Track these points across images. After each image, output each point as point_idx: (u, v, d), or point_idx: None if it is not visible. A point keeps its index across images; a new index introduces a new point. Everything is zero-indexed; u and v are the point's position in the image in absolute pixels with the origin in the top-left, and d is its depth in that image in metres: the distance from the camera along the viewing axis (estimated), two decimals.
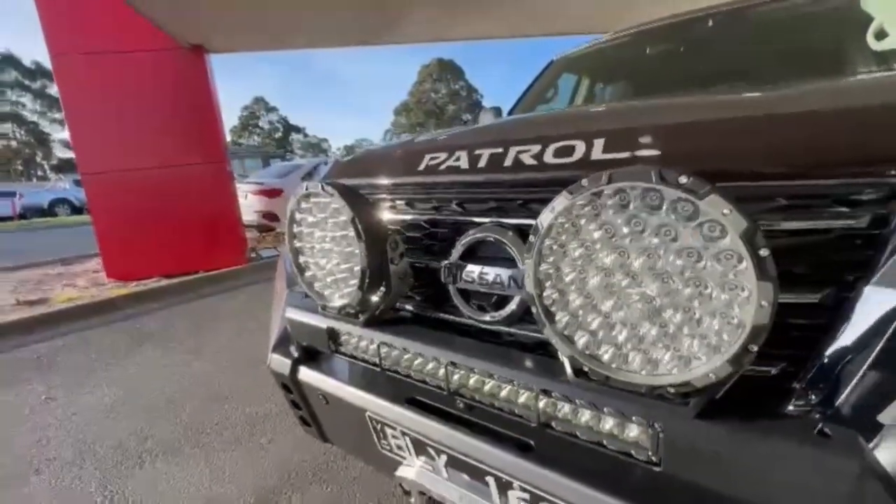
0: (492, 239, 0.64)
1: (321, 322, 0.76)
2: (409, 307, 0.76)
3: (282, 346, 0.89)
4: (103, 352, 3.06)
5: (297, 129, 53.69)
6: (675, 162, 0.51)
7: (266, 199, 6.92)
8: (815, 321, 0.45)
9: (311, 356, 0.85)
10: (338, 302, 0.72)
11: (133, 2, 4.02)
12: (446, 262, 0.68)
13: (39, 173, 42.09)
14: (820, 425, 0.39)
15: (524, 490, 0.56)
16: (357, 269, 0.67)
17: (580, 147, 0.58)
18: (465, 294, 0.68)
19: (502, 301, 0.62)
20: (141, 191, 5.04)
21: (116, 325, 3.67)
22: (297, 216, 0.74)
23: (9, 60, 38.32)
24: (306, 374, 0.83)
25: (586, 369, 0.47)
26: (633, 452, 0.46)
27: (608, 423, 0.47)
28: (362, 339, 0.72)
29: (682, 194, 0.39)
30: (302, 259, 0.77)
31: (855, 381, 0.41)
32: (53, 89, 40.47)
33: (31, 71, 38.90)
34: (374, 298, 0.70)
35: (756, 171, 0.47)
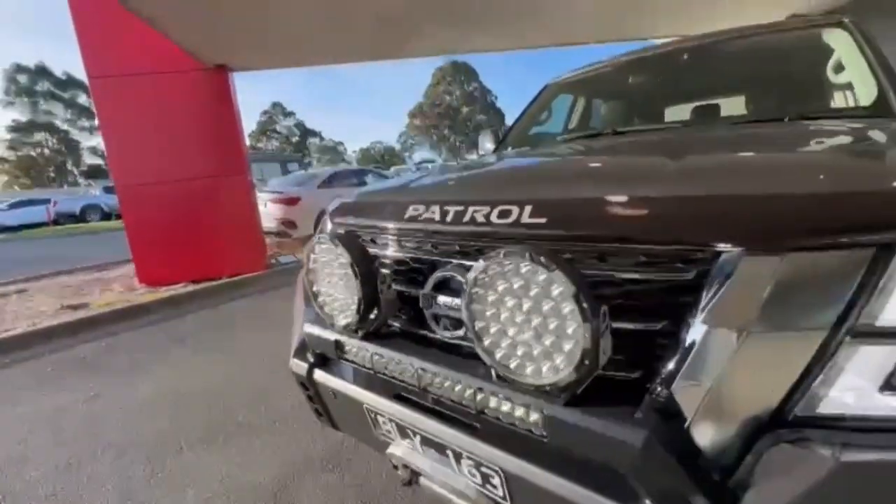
0: (454, 276, 0.86)
1: (330, 335, 1.00)
2: (396, 324, 0.99)
3: (300, 352, 1.13)
4: (141, 353, 3.39)
5: (314, 134, 54.69)
6: (566, 231, 0.74)
7: (285, 206, 7.26)
8: (660, 343, 0.66)
9: (323, 361, 1.09)
10: (342, 321, 0.96)
11: (162, 28, 4.37)
12: (423, 291, 0.91)
13: (70, 179, 43.96)
14: (637, 412, 0.60)
15: (471, 459, 0.78)
16: (356, 297, 0.90)
17: (514, 212, 0.80)
18: (437, 316, 0.91)
19: (459, 322, 0.84)
20: (170, 201, 5.42)
21: (152, 328, 4.01)
22: (312, 256, 0.98)
23: (42, 72, 40.23)
24: (319, 375, 1.07)
25: (502, 374, 0.70)
26: (532, 430, 0.67)
27: (518, 411, 0.68)
28: (360, 350, 0.94)
29: (542, 269, 0.62)
30: (315, 287, 1.00)
31: (676, 385, 0.62)
32: (83, 98, 42.23)
33: (63, 81, 40.73)
34: (369, 318, 0.93)
35: (621, 236, 0.69)
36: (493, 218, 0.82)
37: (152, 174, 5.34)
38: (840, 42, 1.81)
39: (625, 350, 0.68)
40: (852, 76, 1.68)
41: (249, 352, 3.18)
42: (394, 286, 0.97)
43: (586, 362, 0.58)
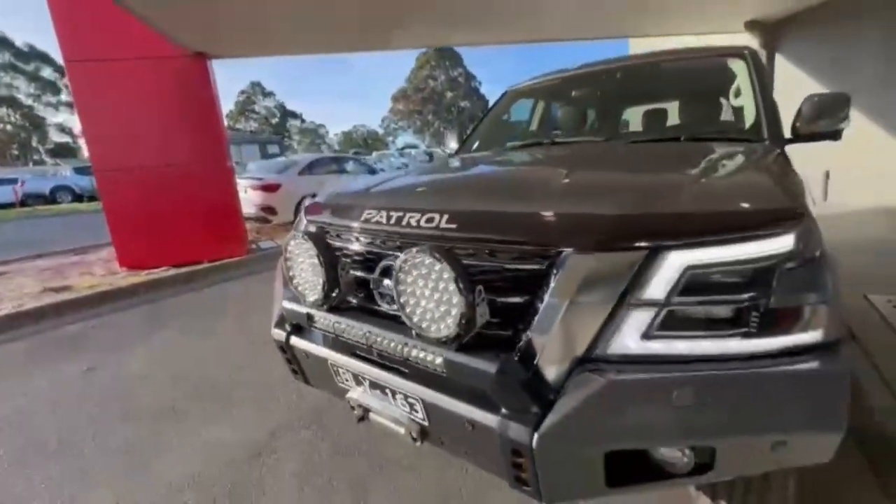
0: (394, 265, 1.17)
1: (302, 309, 1.30)
2: (353, 300, 1.30)
3: (280, 324, 1.43)
4: (128, 332, 3.61)
5: (295, 115, 53.46)
6: (469, 234, 1.06)
7: (265, 193, 7.40)
8: (524, 312, 0.99)
9: (297, 330, 1.39)
10: (311, 298, 1.26)
11: (142, 16, 4.45)
12: (373, 276, 1.22)
13: (35, 157, 42.06)
14: (497, 354, 0.93)
15: (402, 394, 1.11)
16: (321, 280, 1.21)
17: (436, 219, 1.11)
18: (382, 294, 1.21)
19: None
20: (150, 186, 5.51)
21: (136, 310, 4.21)
22: (289, 247, 1.29)
23: (2, 42, 37.96)
24: (295, 341, 1.37)
25: (418, 332, 1.01)
26: (437, 369, 0.99)
27: (428, 357, 0.99)
28: (325, 319, 1.24)
29: (436, 260, 0.94)
30: (291, 273, 1.30)
31: (528, 337, 0.96)
32: (48, 72, 40.21)
33: (24, 53, 38.54)
34: (332, 296, 1.23)
35: (503, 239, 1.02)
36: (422, 223, 1.13)
37: (131, 159, 5.42)
38: (741, 70, 2.16)
39: (503, 316, 1.01)
40: (744, 102, 2.03)
41: (232, 332, 3.44)
42: (351, 271, 1.28)
43: (465, 322, 0.91)
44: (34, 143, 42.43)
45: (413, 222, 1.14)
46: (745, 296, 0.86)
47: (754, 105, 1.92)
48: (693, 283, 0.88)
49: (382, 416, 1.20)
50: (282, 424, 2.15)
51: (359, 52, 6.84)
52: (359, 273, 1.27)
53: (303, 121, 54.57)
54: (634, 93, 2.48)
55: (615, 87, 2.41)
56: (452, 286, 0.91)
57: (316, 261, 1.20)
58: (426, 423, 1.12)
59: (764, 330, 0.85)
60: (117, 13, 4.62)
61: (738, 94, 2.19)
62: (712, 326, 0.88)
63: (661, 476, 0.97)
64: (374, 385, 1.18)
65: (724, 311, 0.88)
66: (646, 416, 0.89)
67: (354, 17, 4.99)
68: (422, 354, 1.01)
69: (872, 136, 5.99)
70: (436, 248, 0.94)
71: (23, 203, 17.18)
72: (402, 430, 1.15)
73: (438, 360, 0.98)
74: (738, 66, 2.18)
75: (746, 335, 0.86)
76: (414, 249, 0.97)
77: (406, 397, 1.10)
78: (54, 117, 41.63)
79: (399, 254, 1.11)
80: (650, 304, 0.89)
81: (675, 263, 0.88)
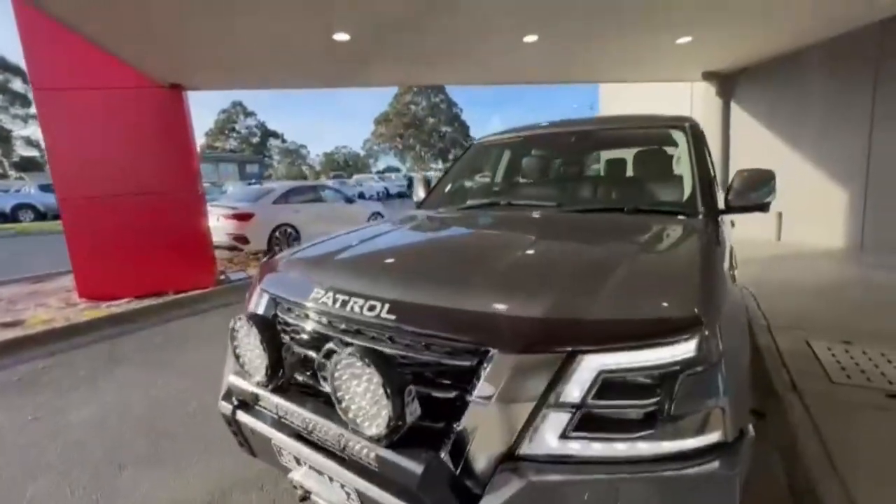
0: (336, 349, 1.21)
1: (248, 387, 1.31)
2: (299, 378, 1.32)
3: (227, 397, 1.44)
4: (81, 373, 3.47)
5: (276, 135, 53.38)
6: (407, 327, 1.11)
7: (237, 222, 7.32)
8: (455, 406, 1.04)
9: (244, 405, 1.40)
10: (256, 378, 1.27)
11: (114, 50, 4.46)
12: (318, 357, 1.25)
13: None
14: (425, 451, 0.98)
15: (339, 481, 1.12)
16: (265, 364, 1.23)
17: (377, 307, 1.16)
18: (325, 376, 1.25)
19: None
20: (116, 215, 5.39)
21: (92, 347, 4.05)
22: (235, 329, 1.31)
23: None
24: (241, 416, 1.37)
25: (352, 427, 1.05)
26: (370, 463, 1.02)
27: (363, 451, 1.02)
28: (270, 401, 1.26)
29: (365, 365, 0.98)
30: (238, 351, 1.32)
31: (456, 433, 1.00)
32: (17, 84, 39.15)
33: None
34: (275, 378, 1.26)
35: (436, 334, 1.07)
36: (365, 311, 1.18)
37: (98, 187, 5.31)
38: (681, 141, 2.32)
39: (437, 409, 1.06)
40: (683, 173, 2.18)
41: (189, 375, 3.33)
42: (297, 350, 1.31)
43: (393, 425, 0.96)
44: None
45: (357, 308, 1.19)
46: (652, 400, 0.94)
47: (691, 178, 2.07)
48: (606, 387, 0.95)
49: (322, 499, 1.21)
50: (235, 484, 2.10)
51: (334, 88, 6.97)
52: (304, 352, 1.30)
53: (284, 141, 54.52)
54: (586, 157, 2.65)
55: (568, 150, 2.57)
56: (381, 391, 0.96)
57: (259, 347, 1.23)
58: None
59: (668, 433, 0.92)
60: (89, 44, 4.63)
61: (679, 164, 2.36)
62: (625, 428, 0.95)
63: None
64: (314, 468, 1.20)
65: (634, 414, 0.95)
66: None
67: (325, 57, 5.13)
68: (356, 447, 1.04)
69: (816, 180, 6.45)
70: (366, 353, 0.99)
71: None
72: None
73: (371, 455, 1.02)
74: (679, 137, 2.35)
75: (653, 437, 0.93)
76: (346, 351, 1.01)
77: (342, 484, 1.13)
78: (22, 130, 40.31)
79: (343, 337, 1.14)
80: (568, 405, 0.95)
81: (589, 367, 0.95)
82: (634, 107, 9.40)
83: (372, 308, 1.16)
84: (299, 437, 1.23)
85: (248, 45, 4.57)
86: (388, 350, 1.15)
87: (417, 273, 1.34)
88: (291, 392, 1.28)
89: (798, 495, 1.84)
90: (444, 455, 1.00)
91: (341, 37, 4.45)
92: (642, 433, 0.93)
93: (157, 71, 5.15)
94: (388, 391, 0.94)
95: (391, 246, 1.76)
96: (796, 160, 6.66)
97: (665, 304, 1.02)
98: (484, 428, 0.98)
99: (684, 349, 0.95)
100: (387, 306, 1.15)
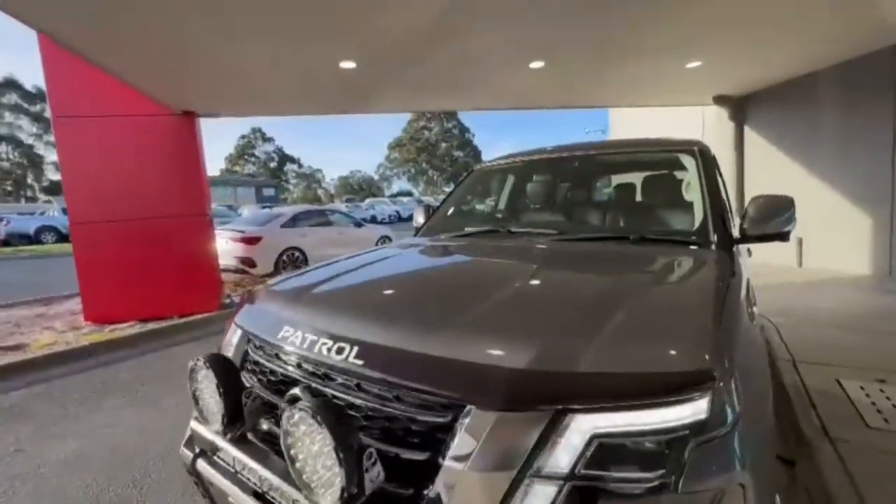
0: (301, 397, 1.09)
1: (208, 435, 1.19)
2: (265, 427, 1.19)
3: (188, 444, 1.31)
4: (76, 401, 3.38)
5: (293, 160, 54.83)
6: (376, 374, 0.98)
7: (245, 245, 7.34)
8: (426, 470, 0.90)
9: (204, 454, 1.27)
10: (215, 426, 1.15)
11: (130, 81, 4.59)
12: (282, 403, 1.12)
13: (29, 194, 42.20)
14: None
15: None
16: (221, 412, 1.11)
17: (346, 350, 1.04)
18: None
19: None
20: (124, 239, 5.44)
21: (91, 373, 3.98)
22: (193, 370, 1.20)
23: (11, 84, 39.26)
24: (201, 466, 1.24)
25: (305, 492, 0.90)
26: None
27: None
28: (228, 451, 1.13)
29: (318, 424, 0.84)
30: (197, 394, 1.21)
31: (427, 499, 0.86)
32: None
33: (32, 95, 39.78)
34: (234, 427, 1.13)
35: (408, 385, 0.94)
36: (333, 354, 1.06)
37: (109, 212, 5.39)
38: (691, 166, 2.18)
39: (406, 471, 0.92)
40: (693, 199, 2.04)
41: (184, 407, 3.23)
42: (263, 394, 1.19)
43: (347, 496, 0.82)
44: (30, 181, 42.72)
45: (324, 350, 1.07)
46: (656, 472, 0.78)
47: (702, 204, 1.92)
48: (600, 454, 0.80)
49: None
50: None
51: (346, 115, 7.07)
52: (270, 398, 1.17)
53: (300, 165, 55.90)
54: (591, 182, 2.52)
55: (571, 175, 2.46)
56: (334, 457, 0.82)
57: (217, 393, 1.11)
58: None
59: None
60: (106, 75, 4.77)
61: (688, 191, 2.22)
62: None
63: None
64: None
65: (635, 489, 0.80)
66: None
67: (333, 84, 5.20)
68: None
69: (838, 204, 6.19)
70: (319, 409, 0.86)
71: (6, 242, 16.90)
72: None
73: None
74: (688, 162, 2.21)
75: None
76: (297, 408, 0.88)
77: None
78: (53, 156, 42.29)
79: (310, 381, 1.02)
80: (555, 476, 0.80)
81: (580, 428, 0.81)
82: (644, 131, 9.32)
83: (340, 350, 1.05)
84: (257, 495, 1.09)
85: (254, 74, 4.66)
86: (358, 400, 1.02)
87: (392, 311, 1.21)
88: (252, 444, 1.15)
89: None
90: None
91: (347, 65, 4.50)
92: None
93: (169, 99, 5.29)
94: (342, 457, 0.81)
95: (374, 278, 1.64)
96: (813, 184, 6.42)
97: (671, 354, 0.88)
98: (458, 497, 0.83)
99: (694, 409, 0.80)
100: (355, 349, 1.03)
